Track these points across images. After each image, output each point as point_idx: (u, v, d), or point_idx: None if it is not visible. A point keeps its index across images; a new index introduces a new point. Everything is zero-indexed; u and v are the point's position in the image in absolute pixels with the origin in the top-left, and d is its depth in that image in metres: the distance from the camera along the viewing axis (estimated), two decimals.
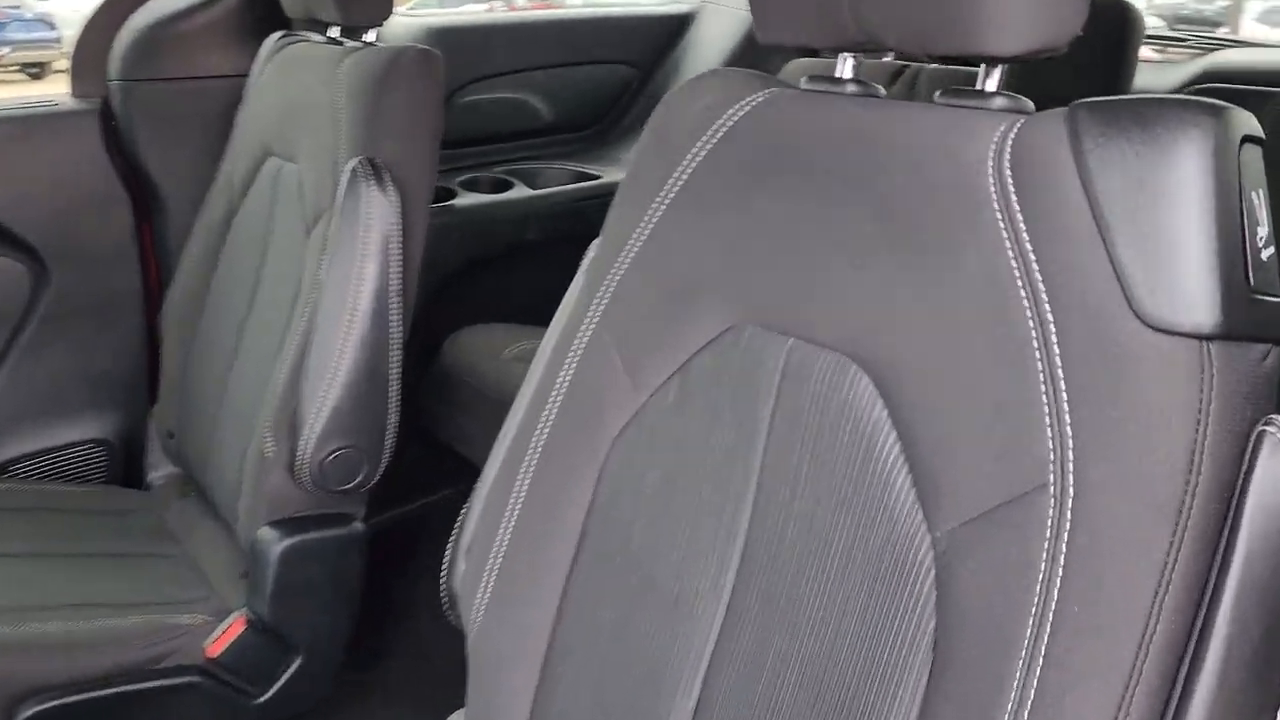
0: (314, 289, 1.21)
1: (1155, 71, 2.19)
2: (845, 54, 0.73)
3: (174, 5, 1.62)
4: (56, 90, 1.70)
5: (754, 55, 2.12)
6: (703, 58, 2.15)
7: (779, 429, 0.69)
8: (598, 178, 2.03)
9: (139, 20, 1.61)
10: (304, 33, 1.48)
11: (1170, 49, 2.42)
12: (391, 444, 1.22)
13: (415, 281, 1.23)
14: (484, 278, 1.87)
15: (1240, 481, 0.51)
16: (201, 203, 1.57)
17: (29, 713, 1.08)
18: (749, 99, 0.76)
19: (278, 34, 1.51)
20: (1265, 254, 0.54)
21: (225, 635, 1.18)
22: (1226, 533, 0.51)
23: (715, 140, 0.76)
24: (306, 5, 1.35)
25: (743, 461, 0.71)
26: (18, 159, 1.57)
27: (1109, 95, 1.58)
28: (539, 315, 1.91)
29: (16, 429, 1.65)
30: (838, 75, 0.74)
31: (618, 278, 0.82)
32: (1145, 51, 2.45)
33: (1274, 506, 0.51)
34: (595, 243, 0.89)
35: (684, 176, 0.78)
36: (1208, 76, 1.99)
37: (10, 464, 1.65)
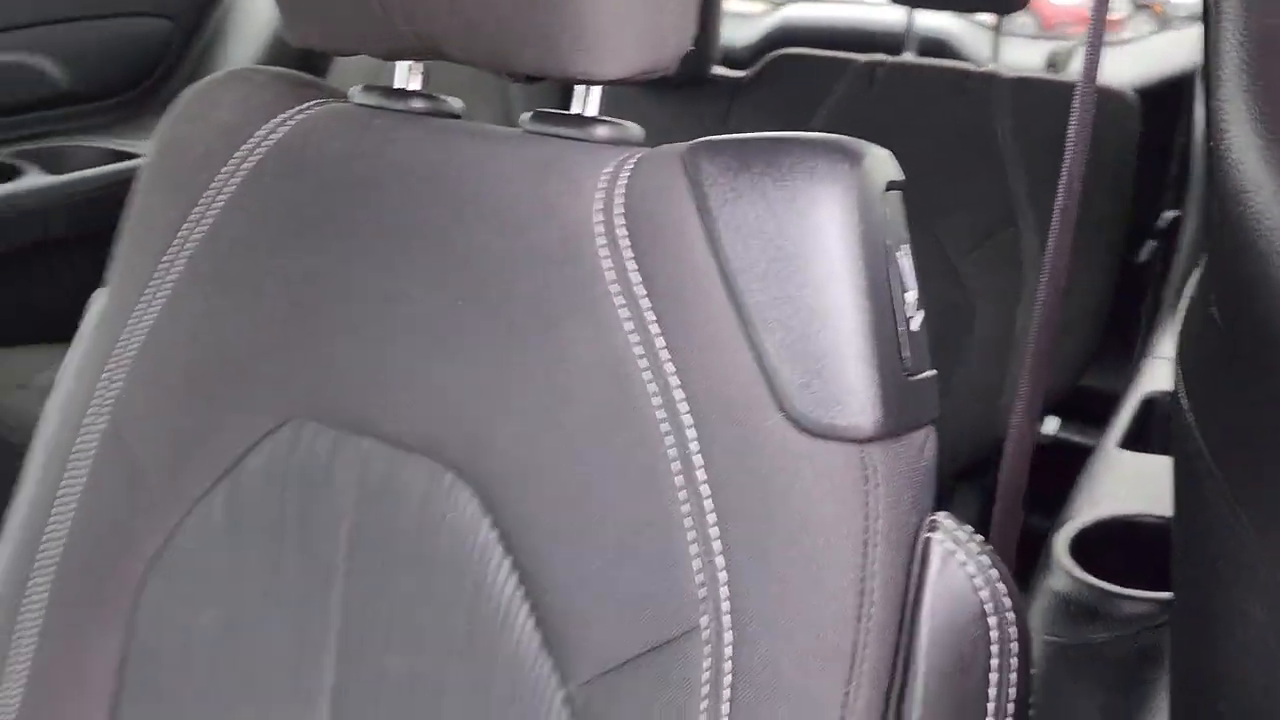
0: None
1: (736, 24, 2.22)
2: (407, 61, 0.57)
3: None
4: None
5: None
6: (261, 11, 1.87)
7: (362, 557, 0.53)
8: (138, 155, 1.70)
9: None
10: None
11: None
12: None
13: None
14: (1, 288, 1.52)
15: (911, 608, 0.44)
16: None
17: None
18: (285, 116, 0.58)
19: None
20: (915, 322, 0.46)
21: None
22: (901, 673, 0.43)
23: (243, 172, 0.57)
24: None
25: (320, 600, 0.54)
26: None
27: (699, 58, 1.52)
28: (75, 330, 1.59)
29: None
30: (399, 86, 0.57)
31: (130, 352, 0.61)
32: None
33: (949, 639, 0.43)
34: (99, 294, 0.67)
35: (205, 221, 0.58)
36: (785, 35, 2.03)
37: None
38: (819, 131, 0.47)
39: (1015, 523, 0.58)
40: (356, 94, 0.58)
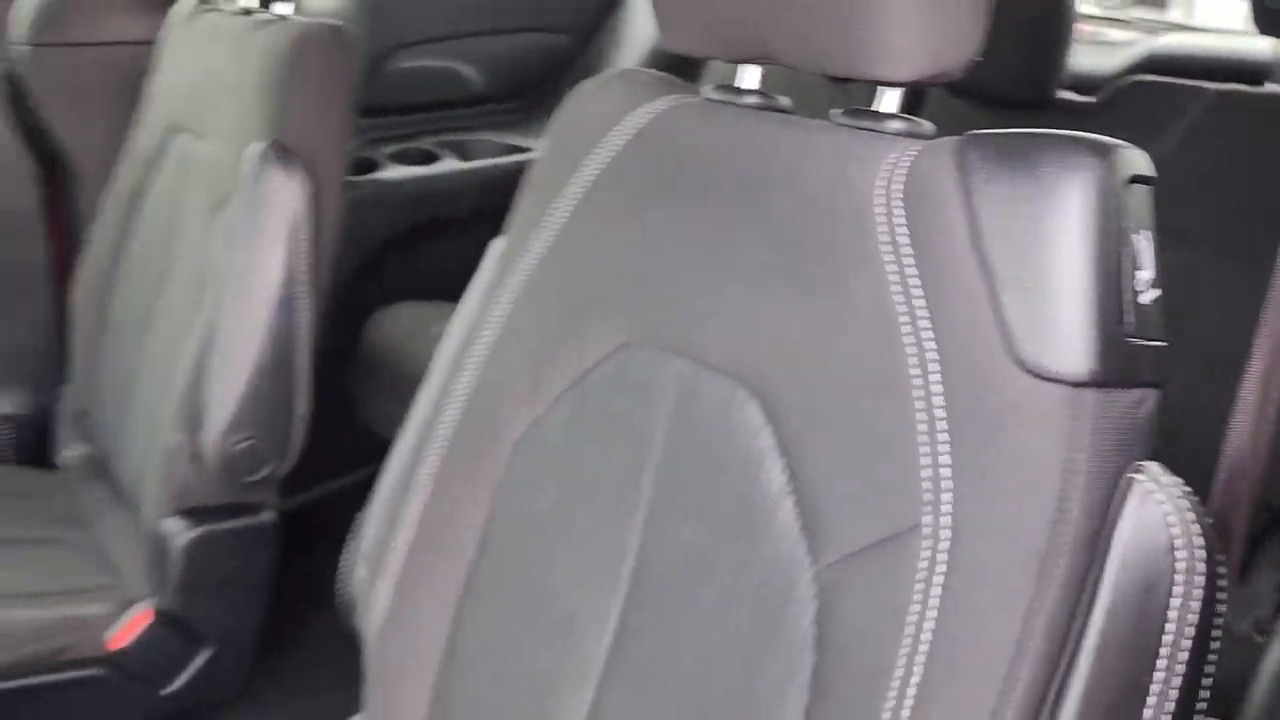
0: (220, 275, 1.17)
1: (1098, 53, 2.19)
2: (748, 64, 0.71)
3: None
4: None
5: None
6: (642, 27, 2.11)
7: (670, 453, 0.68)
8: (531, 150, 1.99)
9: None
10: (218, 2, 1.42)
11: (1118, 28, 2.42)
12: (302, 433, 1.19)
13: (328, 266, 1.20)
14: (412, 254, 1.84)
15: (1106, 531, 0.51)
16: (111, 174, 1.52)
17: None
18: (650, 107, 0.74)
19: (190, 1, 1.45)
20: (1146, 298, 0.54)
21: (130, 627, 1.16)
22: (1091, 584, 0.51)
23: (616, 149, 0.74)
24: None
25: (634, 484, 0.70)
26: None
27: (1040, 82, 1.55)
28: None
29: None
30: (739, 85, 0.72)
31: (521, 281, 0.80)
32: (1098, 28, 2.46)
33: (1137, 560, 0.50)
34: (495, 243, 0.87)
35: (584, 183, 0.76)
36: (1150, 64, 1.99)
37: None
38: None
39: (1241, 498, 0.62)
40: (707, 91, 0.74)
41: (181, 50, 1.38)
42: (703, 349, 0.66)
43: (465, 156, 1.94)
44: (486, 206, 1.91)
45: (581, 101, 0.79)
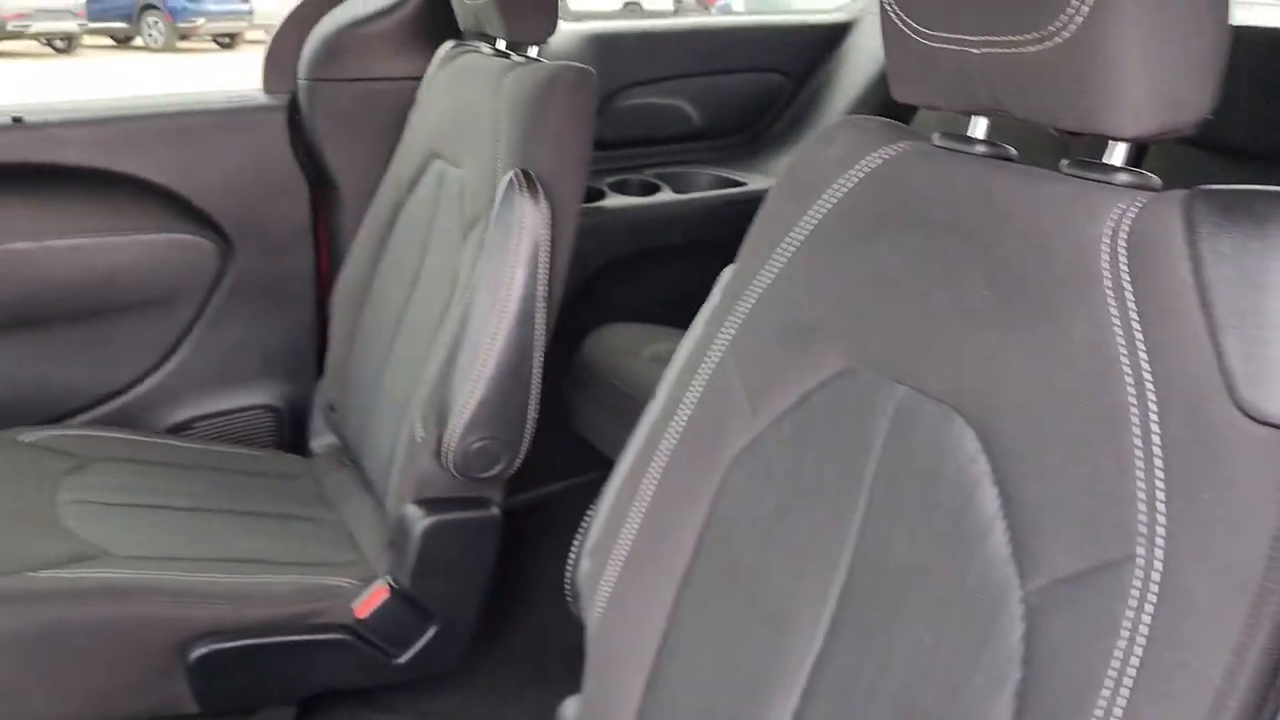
0: (468, 289, 1.30)
1: None
2: (977, 115, 0.77)
3: (357, 12, 1.75)
4: (246, 58, 1.85)
5: None
6: (857, 69, 2.16)
7: (886, 469, 0.73)
8: (743, 185, 2.07)
9: (326, 26, 1.74)
10: (475, 43, 1.58)
11: None
12: (530, 436, 1.30)
13: (561, 285, 1.31)
14: (628, 277, 1.95)
15: None
16: (372, 194, 1.70)
17: (200, 652, 1.22)
18: (881, 151, 0.80)
19: (450, 43, 1.61)
20: None
21: (371, 599, 1.30)
22: None
23: (846, 189, 0.81)
24: (479, 20, 1.44)
25: (851, 497, 0.75)
26: (214, 148, 1.72)
27: (1274, 133, 1.52)
28: (678, 318, 1.98)
29: (196, 392, 1.82)
30: (969, 134, 0.77)
31: (747, 307, 0.87)
32: None
33: None
34: (725, 273, 0.94)
35: (814, 220, 0.83)
36: None
37: (188, 423, 1.82)
38: None
39: None
40: (937, 138, 0.79)
41: (441, 86, 1.54)
42: (922, 377, 0.72)
43: (681, 188, 2.04)
44: (699, 236, 2.03)
45: (816, 145, 0.86)
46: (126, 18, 15.29)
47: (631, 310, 1.92)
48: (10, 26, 13.59)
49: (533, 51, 1.42)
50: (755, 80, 2.19)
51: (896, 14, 0.74)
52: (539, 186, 1.24)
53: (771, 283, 0.85)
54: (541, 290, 1.25)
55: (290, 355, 1.88)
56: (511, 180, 1.24)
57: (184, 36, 15.30)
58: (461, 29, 1.55)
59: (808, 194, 0.83)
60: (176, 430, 1.82)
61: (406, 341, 1.45)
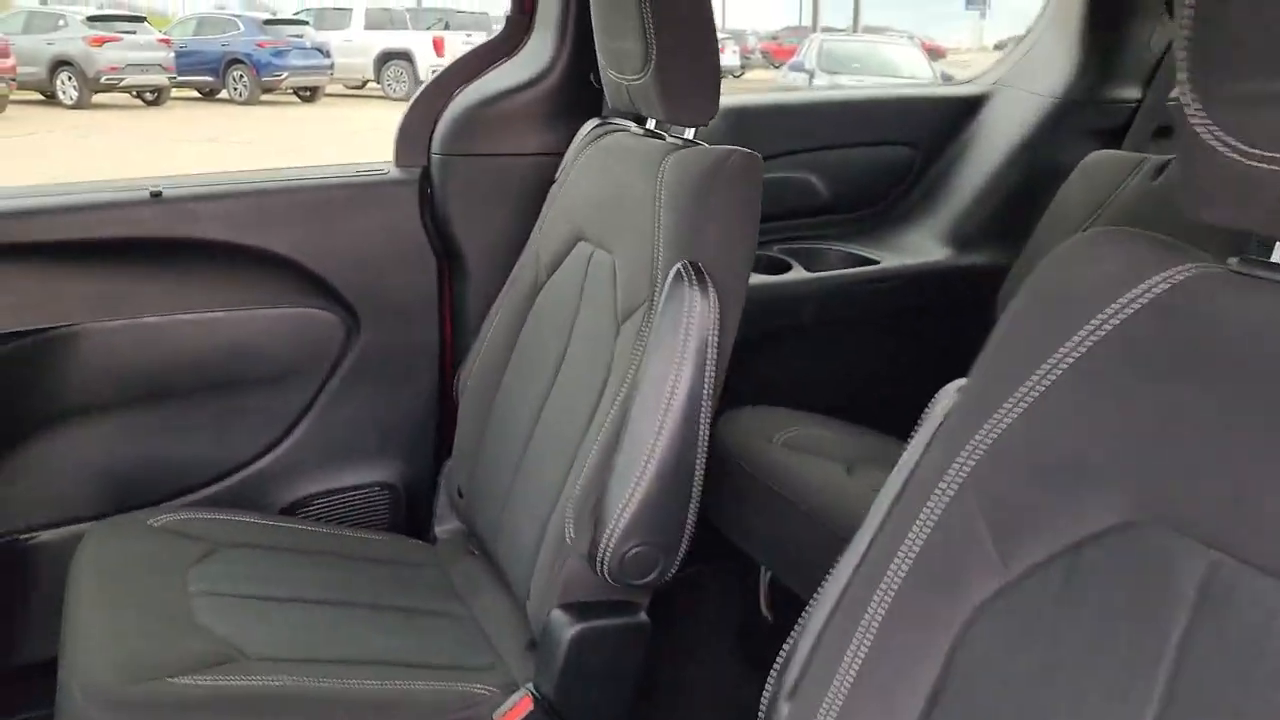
0: (626, 382, 1.23)
1: None
2: None
3: (495, 87, 1.72)
4: (327, 113, 1.83)
5: (1050, 147, 2.05)
6: (992, 144, 2.09)
7: (1192, 649, 0.64)
8: (875, 262, 2.00)
9: (463, 100, 1.71)
10: (621, 120, 1.53)
11: None
12: (688, 541, 1.23)
13: (724, 377, 1.24)
14: (759, 358, 1.88)
15: None
16: (501, 268, 1.65)
17: None
18: (1168, 274, 0.72)
19: (595, 121, 1.57)
20: None
21: (514, 711, 1.22)
22: None
23: (1126, 314, 0.72)
24: (632, 99, 1.39)
25: (1144, 679, 0.66)
26: (344, 222, 1.70)
27: None
28: (810, 400, 1.90)
29: (314, 468, 1.78)
30: (1274, 259, 0.69)
31: (990, 436, 0.78)
32: None
33: None
34: (948, 389, 0.86)
35: (1082, 347, 0.74)
36: None
37: (306, 500, 1.78)
38: None
39: None
40: (1234, 262, 0.70)
41: (588, 165, 1.49)
42: (1239, 542, 0.63)
43: (811, 265, 1.97)
44: (828, 316, 1.95)
45: (1078, 261, 0.78)
46: (213, 71, 15.80)
47: (762, 392, 1.84)
48: (104, 80, 14.10)
49: (688, 133, 1.37)
50: (884, 153, 2.12)
51: (1212, 131, 0.66)
52: (707, 279, 1.18)
53: (1024, 413, 0.76)
54: (708, 389, 1.18)
55: (410, 432, 1.83)
56: (679, 272, 1.18)
57: (267, 90, 15.75)
58: (609, 107, 1.50)
59: (1072, 316, 0.75)
60: (294, 507, 1.78)
61: (550, 433, 1.39)
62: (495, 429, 1.53)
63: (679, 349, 1.16)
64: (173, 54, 15.03)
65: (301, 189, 1.70)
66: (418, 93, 1.76)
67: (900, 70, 12.14)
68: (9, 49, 12.83)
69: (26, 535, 1.63)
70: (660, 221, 1.26)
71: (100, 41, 14.00)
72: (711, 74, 1.31)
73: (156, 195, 1.59)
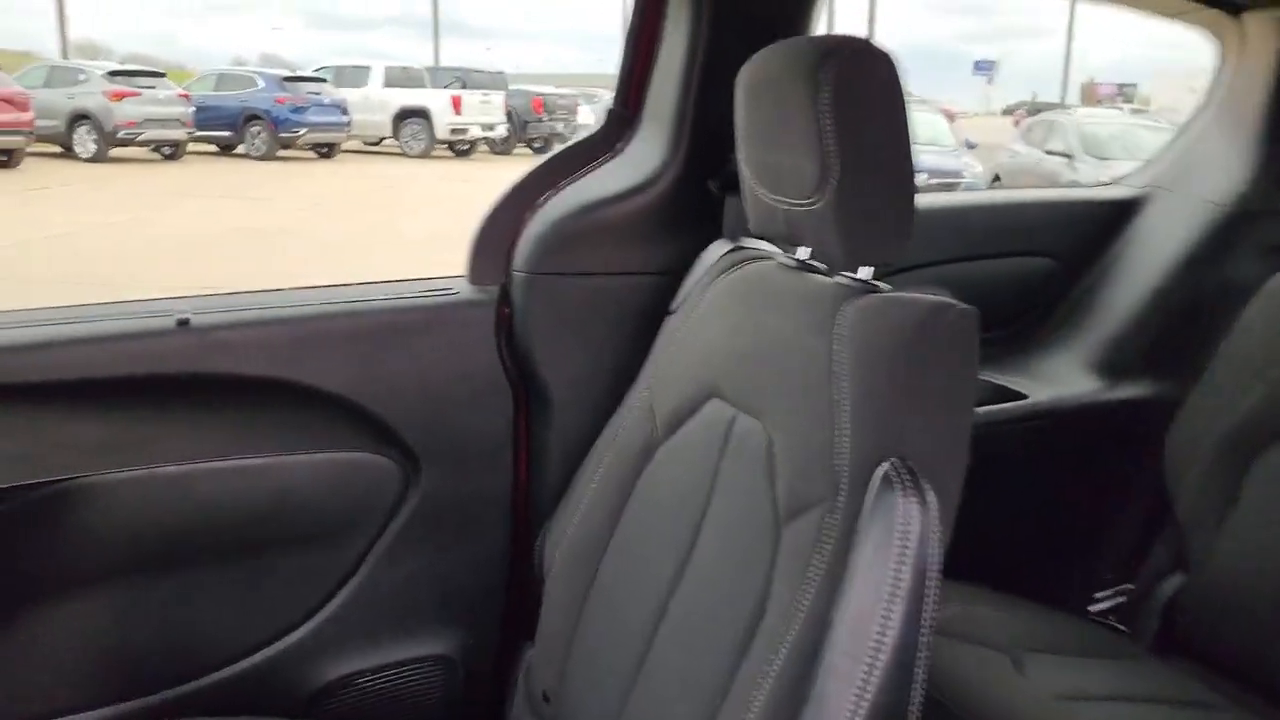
0: (801, 608, 0.93)
1: None
2: None
3: (591, 193, 1.43)
4: (343, 169, 1.54)
5: (1220, 262, 1.76)
6: (1149, 256, 1.80)
7: None
8: (1022, 396, 1.70)
9: (552, 209, 1.43)
10: (761, 245, 1.25)
11: None
12: None
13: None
14: None
15: None
16: (593, 410, 1.36)
17: None
18: None
19: (724, 244, 1.29)
20: None
21: None
22: None
23: None
24: (788, 226, 1.10)
25: None
26: (404, 350, 1.41)
27: None
28: (954, 565, 1.57)
29: (360, 640, 1.48)
30: None
31: None
32: None
33: None
34: None
35: None
36: None
37: (348, 679, 1.48)
38: None
39: None
40: None
41: (718, 301, 1.21)
42: None
43: None
44: (981, 456, 1.65)
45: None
46: (231, 127, 15.75)
47: None
48: (122, 134, 14.02)
49: (864, 272, 1.07)
50: (1022, 265, 1.84)
51: None
52: (925, 485, 0.89)
53: None
54: (927, 636, 0.87)
55: (474, 597, 1.53)
56: (888, 476, 0.89)
57: (285, 146, 15.68)
58: (734, 222, 1.20)
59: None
60: (334, 688, 1.47)
61: (679, 647, 1.08)
62: (595, 625, 1.22)
63: (890, 581, 0.86)
64: (192, 109, 14.97)
65: (354, 313, 1.41)
66: (496, 199, 1.48)
67: (919, 134, 11.82)
68: (28, 102, 12.75)
69: None
70: (844, 394, 0.96)
71: (119, 96, 13.94)
72: (907, 200, 1.02)
73: (184, 323, 1.31)
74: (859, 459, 0.92)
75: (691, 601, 1.09)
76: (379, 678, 1.49)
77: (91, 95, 14.02)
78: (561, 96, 19.94)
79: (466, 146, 17.91)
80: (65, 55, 20.52)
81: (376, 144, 17.88)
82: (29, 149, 12.98)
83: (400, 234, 9.16)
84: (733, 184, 1.36)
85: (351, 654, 1.48)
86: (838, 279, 1.08)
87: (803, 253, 1.15)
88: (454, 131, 17.38)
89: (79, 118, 14.04)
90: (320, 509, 1.42)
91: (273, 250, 8.00)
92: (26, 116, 12.71)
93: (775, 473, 1.02)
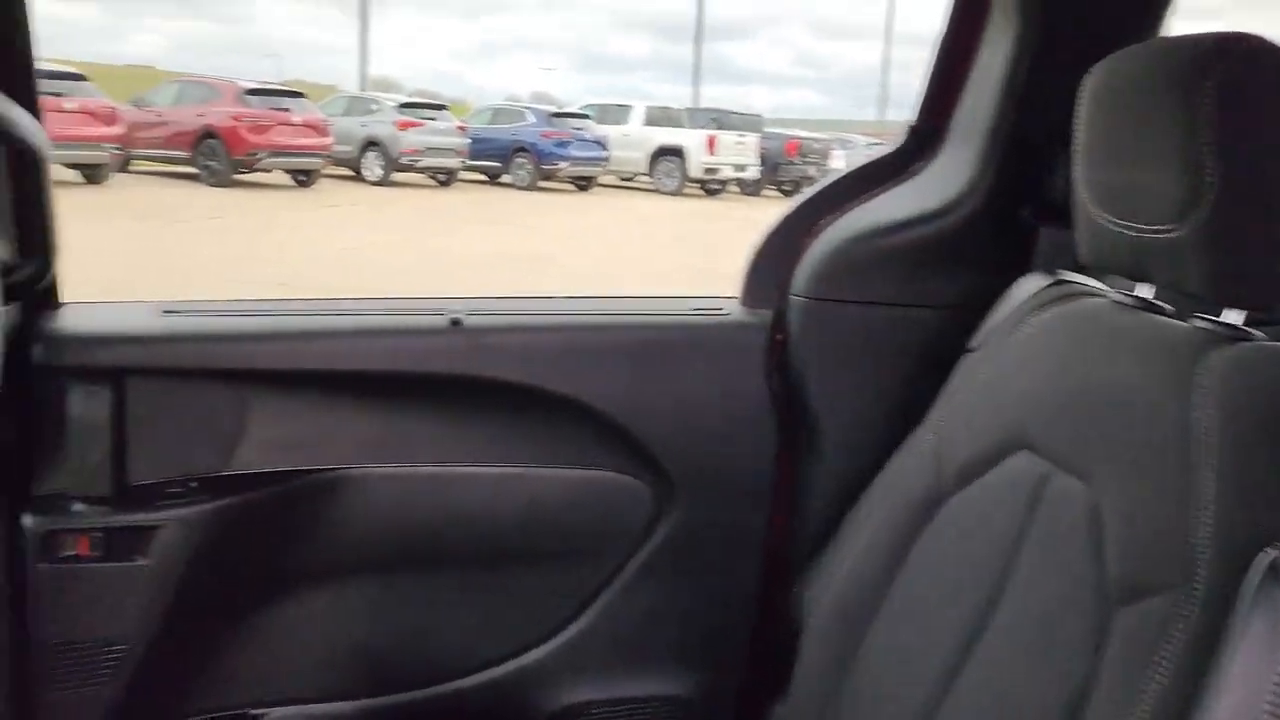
0: (1131, 703, 0.77)
1: None
2: None
3: (883, 216, 1.32)
4: (605, 201, 1.47)
5: None
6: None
7: None
8: None
9: (838, 231, 1.32)
10: (1088, 281, 1.09)
11: None
12: None
13: None
14: None
15: None
16: (869, 449, 1.24)
17: None
18: None
19: (1042, 278, 1.13)
20: None
21: None
22: None
23: None
24: (1135, 257, 0.94)
25: None
26: (670, 369, 1.35)
27: None
28: None
29: (596, 669, 1.41)
30: None
31: None
32: None
33: None
34: None
35: None
36: None
37: (581, 708, 1.41)
38: None
39: None
40: None
41: (1032, 340, 1.06)
42: None
43: None
44: None
45: None
46: (501, 158, 16.67)
47: None
48: (404, 160, 15.15)
49: (1232, 317, 0.89)
50: None
51: None
52: None
53: None
54: None
55: (717, 637, 1.43)
56: (1275, 566, 0.71)
57: (546, 178, 16.41)
58: (1082, 261, 1.04)
59: None
60: (567, 714, 1.40)
61: (983, 697, 0.94)
62: (862, 698, 1.09)
63: (1272, 690, 0.69)
64: (468, 140, 15.98)
65: (621, 326, 1.36)
66: (775, 219, 1.39)
67: None
68: (329, 129, 14.01)
69: (257, 712, 1.34)
70: (1206, 463, 0.79)
71: (406, 125, 15.09)
72: None
73: (456, 323, 1.29)
74: (1226, 544, 0.75)
75: (985, 680, 0.94)
76: (614, 712, 1.42)
77: (382, 124, 15.25)
78: (816, 140, 19.84)
79: (718, 186, 18.10)
80: (363, 89, 22.44)
81: (629, 179, 18.38)
82: (323, 170, 14.25)
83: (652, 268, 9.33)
84: (1049, 212, 1.21)
85: (587, 682, 1.41)
86: (1195, 322, 0.91)
87: (1144, 290, 0.98)
88: (707, 170, 17.62)
89: (369, 144, 15.29)
90: (568, 526, 1.37)
91: (544, 275, 8.44)
92: (326, 141, 13.97)
93: (1104, 543, 0.86)
